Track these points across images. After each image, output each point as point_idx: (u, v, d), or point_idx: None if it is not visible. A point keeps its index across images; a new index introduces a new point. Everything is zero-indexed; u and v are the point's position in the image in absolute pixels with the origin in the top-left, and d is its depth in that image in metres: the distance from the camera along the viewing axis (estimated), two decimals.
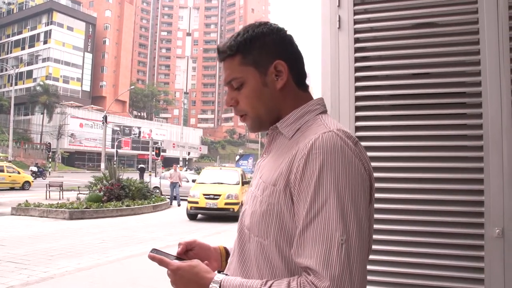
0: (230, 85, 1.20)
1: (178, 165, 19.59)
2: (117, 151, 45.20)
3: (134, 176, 20.47)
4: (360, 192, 0.99)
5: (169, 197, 19.90)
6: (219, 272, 1.11)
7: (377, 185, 1.96)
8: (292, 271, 1.04)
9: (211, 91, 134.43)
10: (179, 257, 1.20)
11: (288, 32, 1.20)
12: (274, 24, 1.20)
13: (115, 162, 25.65)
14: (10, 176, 27.98)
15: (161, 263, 1.13)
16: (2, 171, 27.56)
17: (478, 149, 1.88)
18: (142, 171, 26.79)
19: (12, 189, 27.06)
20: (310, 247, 0.96)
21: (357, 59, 2.09)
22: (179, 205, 19.09)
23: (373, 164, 1.98)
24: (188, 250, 1.25)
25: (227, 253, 1.34)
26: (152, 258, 1.14)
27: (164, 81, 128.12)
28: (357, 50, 2.09)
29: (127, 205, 15.54)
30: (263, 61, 1.15)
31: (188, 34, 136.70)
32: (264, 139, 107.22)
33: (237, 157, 52.93)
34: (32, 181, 29.56)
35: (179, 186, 19.68)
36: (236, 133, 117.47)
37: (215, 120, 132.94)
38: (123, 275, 7.23)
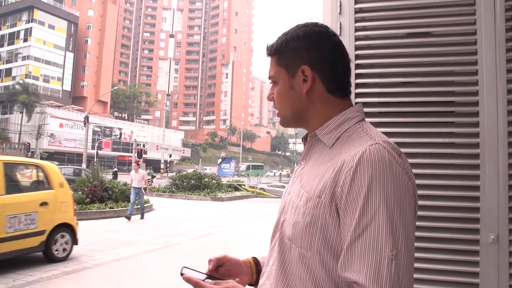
0: (271, 81, 1.24)
1: (140, 164, 15.65)
2: (97, 152, 44.70)
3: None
4: (408, 206, 0.99)
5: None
6: (250, 285, 1.13)
7: None
8: (337, 283, 1.03)
9: (193, 93, 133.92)
10: (211, 275, 1.18)
11: (335, 38, 1.19)
12: (320, 26, 1.19)
13: (96, 163, 25.39)
14: None
15: (197, 286, 1.12)
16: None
17: (475, 156, 1.94)
18: (115, 174, 26.73)
19: None
20: (359, 261, 0.94)
21: (357, 66, 2.13)
22: (142, 217, 15.27)
23: None
24: (219, 266, 1.25)
25: (256, 264, 1.33)
26: (187, 280, 1.13)
27: (146, 82, 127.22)
28: (357, 57, 2.14)
29: (110, 207, 15.40)
30: (292, 64, 1.17)
31: (171, 36, 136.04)
32: (245, 142, 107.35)
33: (219, 160, 52.85)
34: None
35: (144, 193, 15.65)
36: (217, 136, 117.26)
37: (197, 123, 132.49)
38: (112, 278, 7.20)
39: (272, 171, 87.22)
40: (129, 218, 14.47)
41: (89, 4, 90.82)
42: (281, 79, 1.20)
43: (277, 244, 1.17)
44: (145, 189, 15.60)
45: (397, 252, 0.93)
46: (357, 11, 2.16)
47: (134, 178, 15.21)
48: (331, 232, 1.03)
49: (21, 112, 62.33)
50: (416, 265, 1.93)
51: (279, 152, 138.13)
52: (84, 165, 35.33)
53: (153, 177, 31.28)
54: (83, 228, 11.98)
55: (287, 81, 1.19)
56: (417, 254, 1.94)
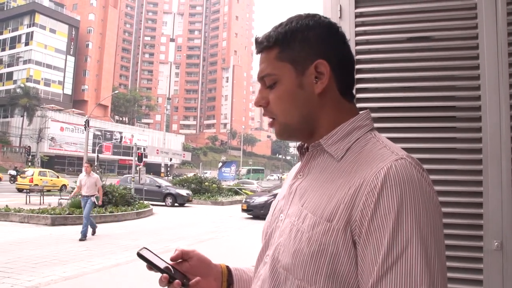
0: (262, 82, 1.04)
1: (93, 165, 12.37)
2: (98, 156, 44.69)
3: (114, 181, 20.20)
4: (440, 229, 0.85)
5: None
6: None
7: None
8: None
9: (193, 97, 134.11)
10: (170, 265, 1.05)
11: (341, 30, 1.03)
12: (325, 17, 1.02)
13: (96, 167, 25.40)
14: (51, 180, 31.75)
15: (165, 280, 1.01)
16: (45, 175, 31.64)
17: (477, 162, 1.91)
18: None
19: (48, 191, 26.92)
20: None
21: (357, 71, 2.10)
22: (93, 233, 11.92)
23: None
24: (184, 261, 1.09)
25: (229, 272, 1.16)
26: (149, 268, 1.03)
27: (147, 86, 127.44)
28: (357, 62, 2.10)
29: (110, 212, 15.39)
30: (302, 58, 0.98)
31: (172, 40, 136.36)
32: (246, 146, 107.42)
33: (220, 164, 52.85)
34: (68, 185, 30.45)
35: (95, 202, 11.59)
36: (218, 140, 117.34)
37: (197, 127, 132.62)
38: (111, 284, 7.17)
39: (272, 175, 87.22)
40: (94, 232, 11.84)
41: (90, 8, 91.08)
42: (286, 77, 0.99)
43: (268, 272, 0.99)
44: (97, 198, 11.67)
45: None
46: (357, 15, 2.14)
47: (84, 183, 11.42)
48: (343, 264, 0.86)
49: (22, 116, 62.45)
50: None
51: (280, 156, 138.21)
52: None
53: None
54: None
55: (295, 79, 0.99)
56: None
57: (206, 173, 48.56)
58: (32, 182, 28.39)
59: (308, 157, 1.04)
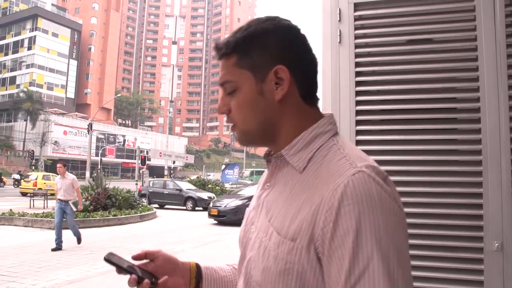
0: (223, 88, 1.01)
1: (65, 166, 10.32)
2: (101, 159, 44.79)
3: (117, 185, 20.17)
4: (402, 241, 0.83)
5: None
6: None
7: None
8: None
9: (196, 99, 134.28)
10: (138, 266, 1.06)
11: (301, 32, 1.00)
12: (285, 19, 1.00)
13: (99, 170, 25.44)
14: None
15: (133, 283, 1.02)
16: (49, 179, 30.13)
17: (477, 163, 1.92)
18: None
19: (52, 195, 26.92)
20: None
21: (357, 74, 2.12)
22: (79, 241, 10.49)
23: None
24: (150, 261, 1.08)
25: (198, 270, 1.15)
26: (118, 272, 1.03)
27: (149, 89, 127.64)
28: (357, 64, 2.13)
29: (114, 215, 15.38)
30: (262, 65, 0.96)
31: (174, 43, 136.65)
32: (249, 148, 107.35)
33: (223, 166, 52.80)
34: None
35: (73, 208, 10.20)
36: (221, 142, 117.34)
37: (200, 129, 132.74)
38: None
39: None
40: (58, 249, 9.85)
41: (92, 12, 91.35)
42: (246, 84, 0.97)
43: (243, 285, 1.00)
44: (75, 203, 10.32)
45: None
46: (356, 18, 2.15)
47: (60, 186, 10.08)
48: (310, 280, 0.86)
49: (25, 120, 62.72)
50: (420, 273, 1.94)
51: None
52: (87, 173, 35.46)
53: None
54: (87, 236, 12.00)
55: (254, 86, 0.96)
56: (420, 263, 1.94)
57: (209, 175, 48.62)
58: (36, 186, 28.44)
59: (273, 167, 1.02)
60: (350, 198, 0.82)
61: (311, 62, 1.00)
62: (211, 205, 17.19)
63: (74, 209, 10.24)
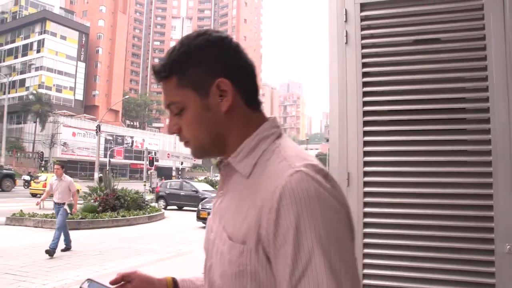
0: (170, 110, 1.03)
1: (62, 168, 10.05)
2: (110, 161, 45.01)
3: (125, 186, 20.19)
4: (344, 237, 0.86)
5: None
6: None
7: (389, 200, 2.03)
8: None
9: None
10: None
11: (233, 41, 1.02)
12: (216, 32, 1.01)
13: (108, 171, 25.53)
14: None
15: None
16: None
17: (487, 164, 1.90)
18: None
19: None
20: None
21: (364, 74, 2.11)
22: (67, 248, 9.88)
23: (386, 179, 2.05)
24: (127, 282, 1.12)
25: (174, 284, 1.19)
26: None
27: (157, 90, 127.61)
28: (364, 65, 2.12)
29: (122, 216, 15.44)
30: (202, 81, 0.98)
31: None
32: None
33: None
34: (80, 189, 30.66)
35: (67, 210, 9.77)
36: None
37: None
38: None
39: None
40: (67, 249, 9.81)
41: (99, 15, 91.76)
42: (191, 102, 0.98)
43: None
44: (71, 206, 9.92)
45: None
46: (363, 18, 2.14)
47: (56, 188, 9.66)
48: (263, 280, 0.89)
49: (35, 122, 63.14)
50: (429, 275, 1.92)
51: None
52: (96, 174, 35.67)
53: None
54: (96, 236, 12.09)
55: (199, 102, 0.98)
56: (430, 265, 1.92)
57: (217, 176, 48.66)
58: (45, 187, 28.43)
59: (224, 176, 1.05)
60: (288, 197, 0.84)
61: (248, 68, 1.02)
62: (200, 207, 16.25)
63: (68, 211, 9.81)
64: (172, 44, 1.07)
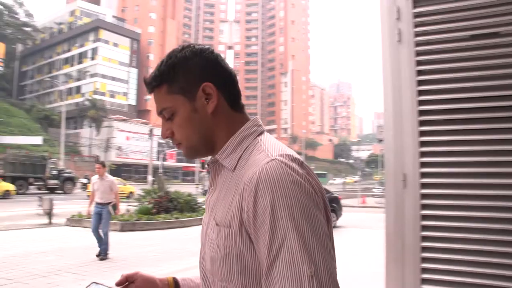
0: (162, 116, 1.16)
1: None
2: (162, 163, 45.97)
3: (178, 188, 20.56)
4: (316, 217, 0.95)
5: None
6: None
7: (448, 202, 1.96)
8: None
9: (253, 103, 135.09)
10: None
11: (214, 52, 1.15)
12: (198, 45, 1.15)
13: (161, 174, 26.06)
14: (119, 187, 31.03)
15: None
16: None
17: None
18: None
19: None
20: (280, 286, 0.90)
21: (419, 73, 2.05)
22: (105, 254, 9.26)
23: (444, 180, 1.98)
24: (130, 283, 1.23)
25: (176, 284, 1.29)
26: None
27: None
28: (419, 63, 2.06)
29: (176, 218, 15.71)
30: (189, 86, 1.10)
31: (230, 48, 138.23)
32: (307, 150, 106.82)
33: None
34: (135, 192, 32.13)
35: (111, 212, 9.52)
36: None
37: None
38: None
39: (335, 179, 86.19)
40: (102, 257, 9.18)
41: (149, 21, 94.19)
42: (180, 106, 1.11)
43: (201, 277, 1.14)
44: (114, 206, 9.73)
45: (316, 268, 0.89)
46: (416, 15, 2.08)
47: (98, 187, 9.36)
48: (248, 260, 0.99)
49: (91, 127, 65.54)
50: (494, 283, 1.84)
51: (342, 160, 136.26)
52: (149, 177, 36.59)
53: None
54: (151, 238, 12.37)
55: (188, 105, 1.11)
56: (495, 271, 1.84)
57: None
58: None
59: (213, 172, 1.17)
60: (264, 181, 0.95)
61: (229, 75, 1.15)
62: None
63: (112, 213, 9.57)
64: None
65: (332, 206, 16.46)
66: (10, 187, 30.14)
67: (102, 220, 9.25)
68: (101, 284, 1.19)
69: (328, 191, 17.55)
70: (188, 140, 1.13)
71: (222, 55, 1.16)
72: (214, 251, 1.05)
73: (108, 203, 9.35)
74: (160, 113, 1.15)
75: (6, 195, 29.17)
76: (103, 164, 9.61)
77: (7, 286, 6.90)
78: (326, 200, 1.03)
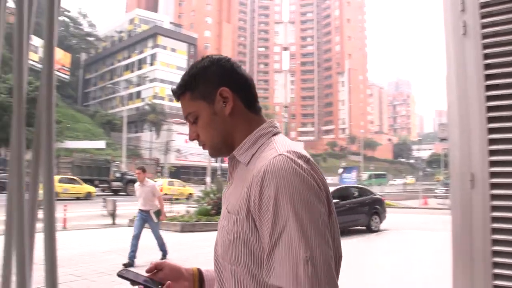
0: (188, 120, 1.28)
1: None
2: (220, 165, 46.54)
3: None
4: (317, 208, 1.04)
5: None
6: None
7: None
8: None
9: (310, 104, 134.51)
10: (148, 277, 1.28)
11: (230, 60, 1.27)
12: (216, 55, 1.29)
13: (219, 176, 26.36)
14: (179, 189, 35.22)
15: None
16: (173, 185, 35.58)
17: None
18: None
19: (176, 199, 28.22)
20: (279, 268, 1.01)
21: (487, 66, 1.94)
22: (164, 255, 9.20)
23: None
24: (158, 270, 1.31)
25: (200, 274, 1.37)
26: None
27: (263, 95, 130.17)
28: (486, 56, 1.94)
29: None
30: (208, 92, 1.23)
31: (285, 49, 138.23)
32: (366, 150, 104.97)
33: (340, 170, 52.17)
34: (194, 193, 33.23)
35: (154, 219, 9.11)
36: (337, 146, 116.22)
37: (316, 133, 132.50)
38: None
39: (395, 180, 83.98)
40: (130, 265, 8.46)
41: (205, 26, 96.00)
42: (202, 110, 1.24)
43: (215, 264, 1.24)
44: (157, 213, 9.23)
45: (312, 253, 0.98)
46: (482, 5, 1.96)
47: (139, 194, 9.06)
48: (254, 245, 1.09)
49: (151, 130, 67.48)
50: None
51: (403, 160, 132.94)
52: (208, 178, 37.17)
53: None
54: (209, 239, 12.46)
55: (208, 109, 1.23)
56: None
57: (326, 179, 48.20)
58: (161, 191, 30.12)
59: (230, 168, 1.28)
60: (270, 173, 1.05)
61: (245, 80, 1.27)
62: None
63: (156, 220, 9.12)
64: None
65: (375, 208, 15.36)
66: (92, 189, 32.32)
67: (150, 227, 9.10)
68: (131, 271, 1.29)
69: (371, 192, 16.75)
70: (210, 140, 1.26)
71: (239, 63, 1.29)
72: (224, 236, 1.16)
73: (149, 211, 9.00)
74: (186, 118, 1.28)
75: (88, 196, 31.38)
76: (143, 170, 9.32)
77: (77, 283, 7.21)
78: (329, 195, 1.13)
